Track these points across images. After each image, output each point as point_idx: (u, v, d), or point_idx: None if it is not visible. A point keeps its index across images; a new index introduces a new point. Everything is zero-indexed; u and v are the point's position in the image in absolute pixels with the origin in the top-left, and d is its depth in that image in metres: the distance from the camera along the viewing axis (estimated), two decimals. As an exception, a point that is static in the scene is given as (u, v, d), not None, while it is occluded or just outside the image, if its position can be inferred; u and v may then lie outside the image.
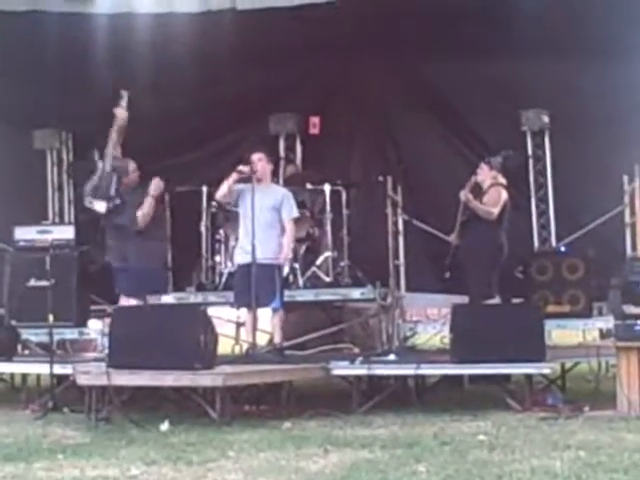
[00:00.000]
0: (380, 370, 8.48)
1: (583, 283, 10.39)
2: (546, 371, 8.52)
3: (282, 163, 11.55)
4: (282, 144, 11.68)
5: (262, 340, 9.96)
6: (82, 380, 7.91)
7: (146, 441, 6.85)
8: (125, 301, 9.41)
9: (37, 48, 10.30)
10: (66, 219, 12.01)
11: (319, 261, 10.30)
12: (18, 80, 11.08)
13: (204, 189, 10.59)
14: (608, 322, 9.22)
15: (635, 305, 8.02)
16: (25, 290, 10.15)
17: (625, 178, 10.52)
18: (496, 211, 9.73)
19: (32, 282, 10.12)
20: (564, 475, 5.46)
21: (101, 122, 11.48)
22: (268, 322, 9.48)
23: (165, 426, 7.35)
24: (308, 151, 11.71)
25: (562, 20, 9.92)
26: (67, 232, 11.09)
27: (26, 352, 9.99)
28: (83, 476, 5.73)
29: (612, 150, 10.63)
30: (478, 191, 9.95)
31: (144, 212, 9.42)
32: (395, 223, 10.65)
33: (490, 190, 9.86)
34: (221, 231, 10.48)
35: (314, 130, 11.58)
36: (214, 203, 10.47)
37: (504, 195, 9.84)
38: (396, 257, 10.64)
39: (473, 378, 9.44)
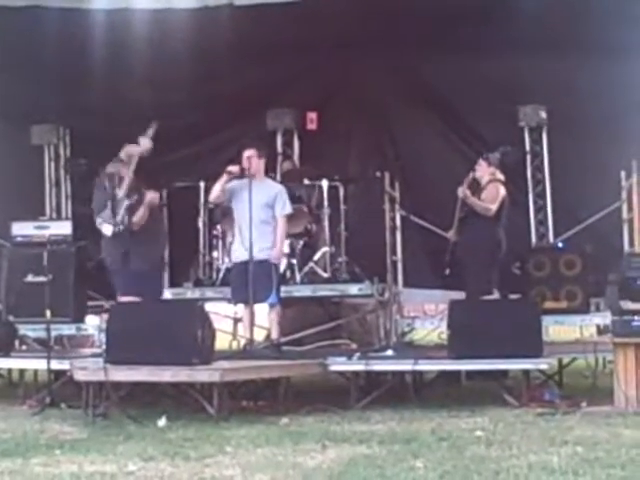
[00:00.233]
0: (378, 366, 8.48)
1: (580, 279, 10.40)
2: (543, 367, 8.53)
3: (279, 159, 11.55)
4: (279, 140, 11.68)
5: (259, 336, 9.96)
6: (79, 376, 7.91)
7: (143, 437, 6.85)
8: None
9: (35, 44, 10.30)
10: (63, 215, 12.02)
11: (316, 257, 10.30)
12: (16, 75, 11.08)
13: (202, 185, 10.59)
14: (605, 318, 9.22)
15: (632, 301, 8.02)
16: (22, 286, 10.13)
17: (622, 174, 10.53)
18: (494, 207, 9.72)
19: (29, 278, 10.10)
20: (561, 470, 5.46)
21: (99, 118, 11.54)
22: (265, 318, 9.48)
23: (162, 422, 7.35)
24: (305, 147, 11.72)
25: (560, 18, 9.93)
26: (64, 227, 11.07)
27: (23, 348, 9.99)
28: (80, 472, 5.72)
29: (610, 146, 10.65)
30: (476, 187, 9.94)
31: (137, 219, 9.35)
32: (392, 219, 10.66)
33: (488, 186, 9.86)
34: (218, 227, 10.47)
35: (311, 126, 11.58)
36: (211, 200, 10.48)
37: (502, 191, 9.83)
38: (394, 253, 10.64)
39: (470, 374, 9.45)
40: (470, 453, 6.06)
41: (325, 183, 10.42)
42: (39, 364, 8.73)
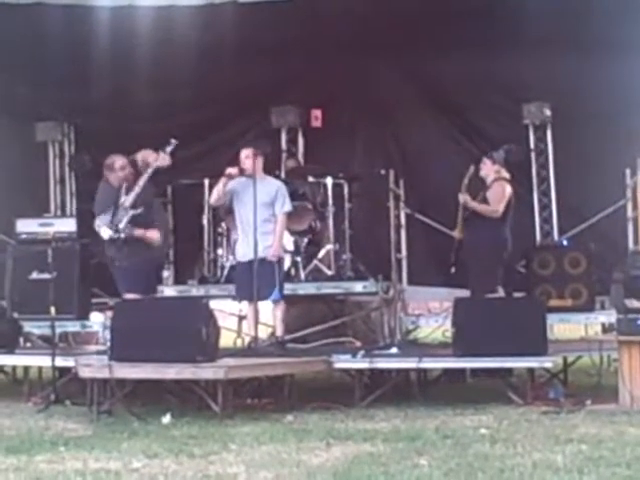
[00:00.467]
0: (382, 363, 8.47)
1: (585, 277, 10.38)
2: (548, 365, 8.51)
3: (284, 156, 11.56)
4: (284, 137, 11.67)
5: (264, 333, 9.95)
6: (84, 373, 7.91)
7: (148, 434, 6.86)
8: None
9: (40, 41, 10.31)
10: (68, 212, 12.02)
11: (321, 254, 10.29)
12: (20, 73, 11.11)
13: (206, 182, 10.58)
14: (610, 316, 9.19)
15: (637, 299, 8.00)
16: (27, 283, 10.14)
17: (627, 172, 10.53)
18: (501, 208, 9.66)
19: (34, 275, 10.11)
20: (566, 469, 5.45)
21: (103, 115, 11.55)
22: (270, 315, 9.48)
23: (167, 419, 7.35)
24: (310, 144, 11.71)
25: (564, 15, 9.94)
26: (69, 225, 11.10)
27: (28, 345, 9.99)
28: (85, 469, 5.72)
29: (614, 144, 10.64)
30: (482, 186, 9.91)
31: (137, 234, 9.32)
32: (397, 216, 10.66)
33: (494, 185, 9.80)
34: (223, 224, 10.47)
35: (316, 123, 11.58)
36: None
37: (508, 190, 9.79)
38: (398, 250, 10.64)
39: (475, 372, 9.43)
40: (474, 451, 6.06)
41: (330, 181, 10.41)
42: (44, 361, 8.73)
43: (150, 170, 9.18)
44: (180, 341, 7.76)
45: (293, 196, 9.58)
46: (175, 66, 10.90)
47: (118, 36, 10.27)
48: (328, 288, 10.07)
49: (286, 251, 9.66)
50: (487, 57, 10.69)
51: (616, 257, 9.58)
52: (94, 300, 10.68)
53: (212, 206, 10.11)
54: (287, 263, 9.74)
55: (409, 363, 8.46)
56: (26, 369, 9.30)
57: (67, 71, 10.95)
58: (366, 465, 5.68)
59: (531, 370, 8.34)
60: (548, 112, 11.20)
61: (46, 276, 9.10)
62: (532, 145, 11.40)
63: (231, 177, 9.11)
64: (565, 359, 9.38)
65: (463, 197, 9.77)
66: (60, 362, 8.49)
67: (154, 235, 9.27)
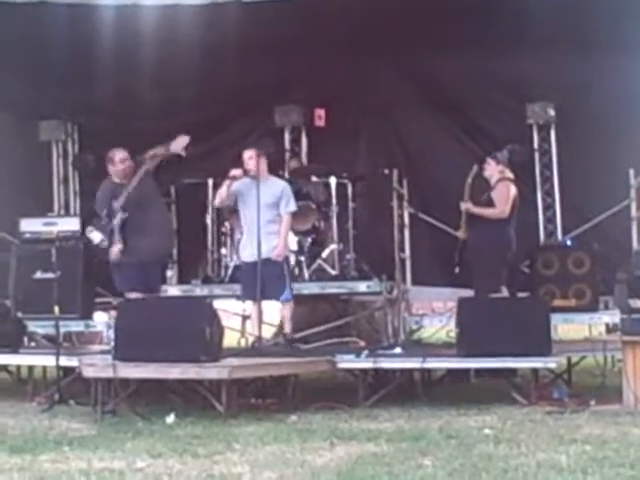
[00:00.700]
0: (386, 363, 8.46)
1: (589, 277, 10.37)
2: (552, 365, 8.50)
3: (287, 156, 11.55)
4: (287, 136, 11.67)
5: (268, 333, 9.96)
6: (88, 372, 7.91)
7: (152, 434, 6.86)
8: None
9: (43, 40, 10.31)
10: (72, 211, 12.02)
11: (325, 254, 10.29)
12: (23, 72, 11.09)
13: (210, 182, 10.58)
14: (614, 316, 9.19)
15: (641, 299, 8.01)
16: (31, 282, 10.15)
17: (631, 172, 10.52)
18: (507, 209, 9.64)
19: (38, 274, 10.12)
20: (570, 469, 5.45)
21: (107, 114, 11.55)
22: (274, 315, 9.49)
23: (171, 419, 7.36)
24: (314, 144, 11.70)
25: (567, 14, 9.91)
26: (73, 224, 11.09)
27: (32, 344, 10.00)
28: (89, 468, 5.73)
29: (618, 144, 10.63)
30: (485, 186, 9.90)
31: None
32: (401, 216, 10.66)
33: (498, 185, 9.77)
34: (227, 224, 10.47)
35: (320, 123, 11.58)
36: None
37: (513, 190, 9.77)
38: (402, 250, 10.64)
39: (479, 372, 9.42)
40: (478, 451, 6.05)
41: (333, 180, 10.40)
42: (48, 361, 8.73)
43: (157, 159, 9.21)
44: (184, 341, 7.76)
45: (297, 196, 9.58)
46: (179, 65, 10.89)
47: (122, 35, 10.27)
48: (332, 288, 10.07)
49: (290, 251, 9.67)
50: (491, 56, 10.68)
51: (620, 257, 9.58)
52: (98, 300, 10.69)
53: (217, 207, 10.11)
54: (291, 262, 9.74)
55: (413, 363, 8.45)
56: (30, 369, 9.31)
57: (71, 70, 10.94)
58: (370, 465, 5.68)
59: (535, 370, 8.34)
60: (552, 112, 11.19)
61: (50, 275, 9.10)
62: (536, 145, 11.39)
63: (235, 179, 9.12)
64: (569, 359, 9.37)
65: (465, 206, 9.76)
66: (64, 362, 8.49)
67: (113, 250, 9.29)
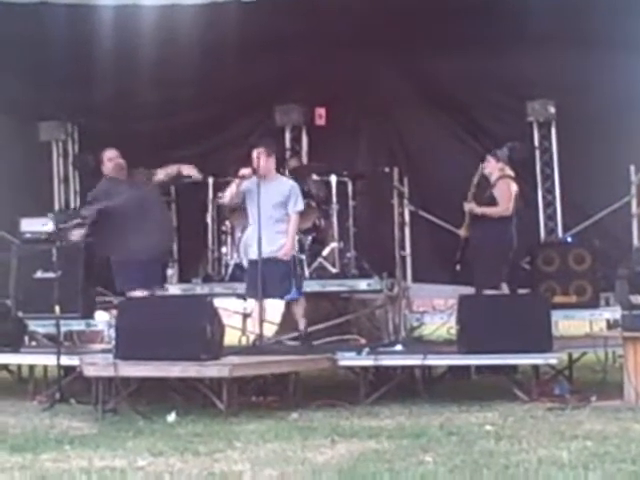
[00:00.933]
0: (387, 361, 8.47)
1: (590, 274, 10.37)
2: (553, 361, 8.49)
3: (288, 155, 11.54)
4: (288, 135, 11.67)
5: (269, 331, 9.98)
6: (89, 371, 7.92)
7: (153, 432, 6.86)
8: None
9: (43, 40, 10.31)
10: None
11: (325, 252, 10.29)
12: (24, 72, 11.10)
13: (210, 180, 10.58)
14: (615, 312, 9.19)
15: (642, 295, 8.01)
16: (32, 282, 10.15)
17: (632, 168, 10.52)
18: (511, 206, 9.65)
19: (39, 274, 10.12)
20: (571, 465, 5.45)
21: (107, 114, 11.56)
22: (275, 313, 9.50)
23: (172, 417, 7.36)
24: (314, 142, 11.70)
25: (567, 11, 9.91)
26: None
27: (33, 343, 10.00)
28: (90, 467, 5.73)
29: (619, 141, 10.64)
30: (486, 184, 9.90)
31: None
32: (401, 214, 10.67)
33: (499, 183, 9.77)
34: (227, 222, 10.47)
35: (320, 121, 11.58)
36: (220, 194, 10.49)
37: (514, 187, 9.78)
38: (402, 248, 10.65)
39: (480, 369, 9.43)
40: (479, 448, 6.06)
41: (334, 178, 10.41)
42: (49, 360, 8.74)
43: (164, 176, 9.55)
44: (185, 339, 7.77)
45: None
46: (178, 65, 10.89)
47: (121, 35, 10.27)
48: (333, 286, 10.07)
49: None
50: (491, 55, 10.68)
51: (621, 253, 9.58)
52: (99, 299, 10.69)
53: (225, 205, 10.09)
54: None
55: (414, 360, 8.45)
56: (31, 368, 9.32)
57: (70, 70, 10.95)
58: (371, 462, 5.69)
59: (536, 367, 8.34)
60: (552, 109, 11.19)
61: (51, 275, 9.11)
62: (536, 142, 11.39)
63: (244, 178, 9.14)
64: (570, 355, 9.38)
65: (469, 206, 9.76)
66: (65, 361, 8.50)
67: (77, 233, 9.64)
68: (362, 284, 10.05)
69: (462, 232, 9.99)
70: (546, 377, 8.91)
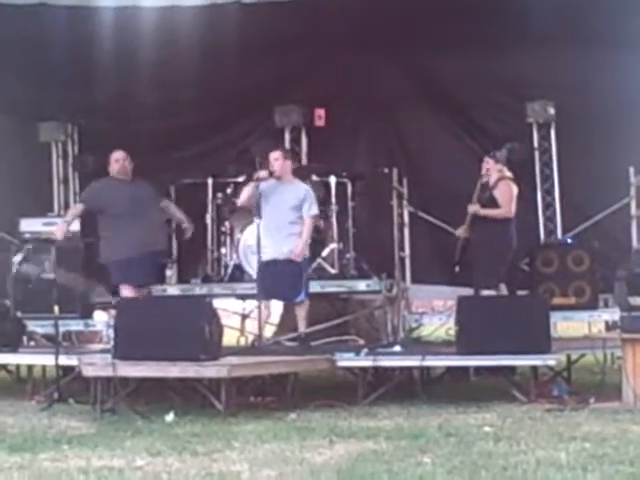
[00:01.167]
0: (385, 362, 8.47)
1: (589, 275, 10.37)
2: (552, 363, 8.49)
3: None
4: (287, 136, 11.67)
5: (268, 332, 9.97)
6: (88, 371, 7.92)
7: (151, 432, 6.86)
8: (126, 291, 9.52)
9: (43, 41, 10.33)
10: (71, 211, 12.01)
11: (325, 253, 10.29)
12: (24, 73, 11.11)
13: (209, 181, 10.59)
14: (614, 314, 9.20)
15: (641, 297, 8.01)
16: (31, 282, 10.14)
17: (631, 170, 10.52)
18: (513, 207, 9.65)
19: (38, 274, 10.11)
20: (569, 466, 5.45)
21: (107, 115, 11.56)
22: (274, 315, 9.50)
23: (170, 417, 7.36)
24: (314, 143, 11.70)
25: (567, 11, 9.93)
26: (72, 224, 11.07)
27: (32, 343, 10.00)
28: (88, 467, 5.72)
29: (618, 142, 10.63)
30: (486, 186, 9.88)
31: None
32: (400, 215, 10.67)
33: (499, 184, 9.75)
34: (227, 223, 10.48)
35: (320, 122, 11.58)
36: (220, 195, 10.50)
37: (514, 189, 9.78)
38: (401, 249, 10.65)
39: (478, 370, 9.43)
40: (478, 449, 6.05)
41: (333, 179, 10.41)
42: (47, 360, 8.73)
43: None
44: (183, 340, 7.77)
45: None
46: (178, 66, 10.90)
47: (122, 36, 10.29)
48: (332, 287, 10.08)
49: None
50: (490, 55, 10.69)
51: (620, 255, 9.58)
52: (97, 299, 10.69)
53: (240, 206, 10.08)
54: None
55: (412, 361, 8.45)
56: (30, 368, 9.32)
57: (70, 71, 10.96)
58: (369, 463, 5.68)
59: (534, 368, 8.33)
60: (552, 110, 11.18)
61: (50, 275, 9.11)
62: (536, 143, 11.38)
63: (261, 180, 9.16)
64: (569, 357, 9.37)
65: (473, 208, 9.75)
66: (64, 361, 8.49)
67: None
68: (361, 285, 10.05)
69: (461, 233, 9.98)
70: (545, 378, 8.91)
